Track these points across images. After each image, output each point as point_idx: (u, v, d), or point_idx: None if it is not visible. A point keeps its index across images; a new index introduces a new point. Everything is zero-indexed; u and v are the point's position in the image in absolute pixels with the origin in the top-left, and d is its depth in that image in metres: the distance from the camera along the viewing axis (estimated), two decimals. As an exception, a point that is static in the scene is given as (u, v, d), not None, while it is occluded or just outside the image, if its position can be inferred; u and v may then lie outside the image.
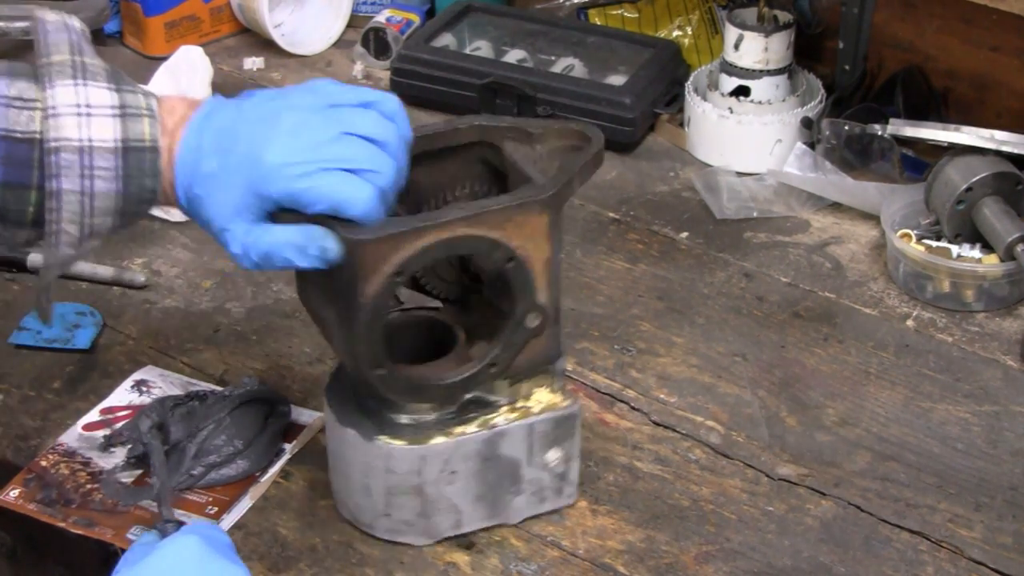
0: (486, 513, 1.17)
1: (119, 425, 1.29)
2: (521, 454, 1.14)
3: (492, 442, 1.13)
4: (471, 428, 1.13)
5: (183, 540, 0.94)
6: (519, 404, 1.14)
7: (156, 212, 1.61)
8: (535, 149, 1.09)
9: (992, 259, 1.48)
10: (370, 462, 1.12)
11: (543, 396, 1.14)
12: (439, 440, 1.11)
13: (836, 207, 1.65)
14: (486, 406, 1.14)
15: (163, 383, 1.35)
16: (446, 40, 1.88)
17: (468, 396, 1.13)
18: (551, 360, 1.13)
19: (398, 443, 1.11)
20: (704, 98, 1.74)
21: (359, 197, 1.01)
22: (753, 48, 1.69)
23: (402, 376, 1.08)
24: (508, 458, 1.14)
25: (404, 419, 1.12)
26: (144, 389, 1.34)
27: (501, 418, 1.14)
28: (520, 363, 1.11)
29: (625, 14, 1.95)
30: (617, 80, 1.79)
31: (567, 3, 1.97)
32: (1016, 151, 1.51)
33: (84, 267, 1.52)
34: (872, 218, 1.61)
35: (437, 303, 1.18)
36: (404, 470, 1.11)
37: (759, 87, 1.70)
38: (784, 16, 1.71)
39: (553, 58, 1.85)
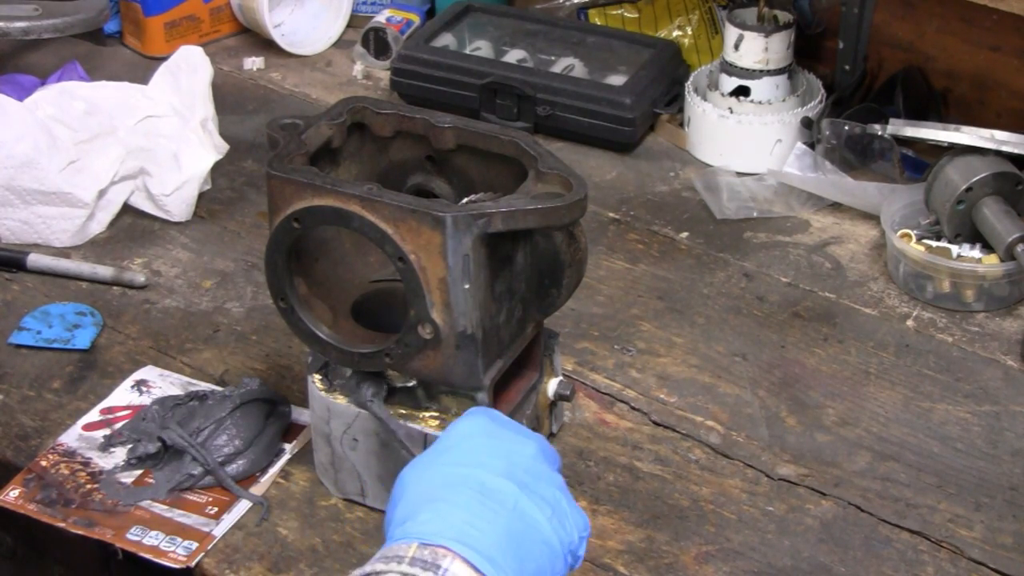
0: (388, 499, 1.19)
1: (119, 425, 1.29)
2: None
3: (389, 431, 1.16)
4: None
5: (472, 416, 1.01)
6: (440, 416, 1.16)
7: (156, 212, 1.61)
8: (535, 185, 1.11)
9: (992, 259, 1.48)
10: (308, 391, 1.22)
11: None
12: (347, 403, 1.18)
13: (836, 207, 1.65)
14: (413, 405, 1.17)
15: (163, 383, 1.35)
16: (446, 40, 1.88)
17: (396, 384, 1.17)
18: (464, 386, 1.14)
19: (319, 387, 1.19)
20: (704, 98, 1.74)
21: None
22: (753, 48, 1.69)
23: (301, 317, 1.15)
24: (404, 457, 1.16)
25: (349, 376, 1.19)
26: (144, 389, 1.34)
27: (412, 417, 1.16)
28: (418, 369, 1.13)
29: (625, 14, 1.95)
30: (617, 80, 1.79)
31: (567, 3, 1.98)
32: (1016, 151, 1.51)
33: (84, 267, 1.52)
34: (872, 218, 1.61)
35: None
36: (317, 413, 1.20)
37: (759, 87, 1.70)
38: (784, 16, 1.71)
39: (553, 58, 1.85)
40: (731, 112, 1.71)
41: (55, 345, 1.41)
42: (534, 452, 0.99)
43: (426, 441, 1.15)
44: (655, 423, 1.33)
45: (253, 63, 1.97)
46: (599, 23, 1.94)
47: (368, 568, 0.88)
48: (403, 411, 1.17)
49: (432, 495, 0.94)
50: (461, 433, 1.00)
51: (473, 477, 0.94)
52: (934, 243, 1.52)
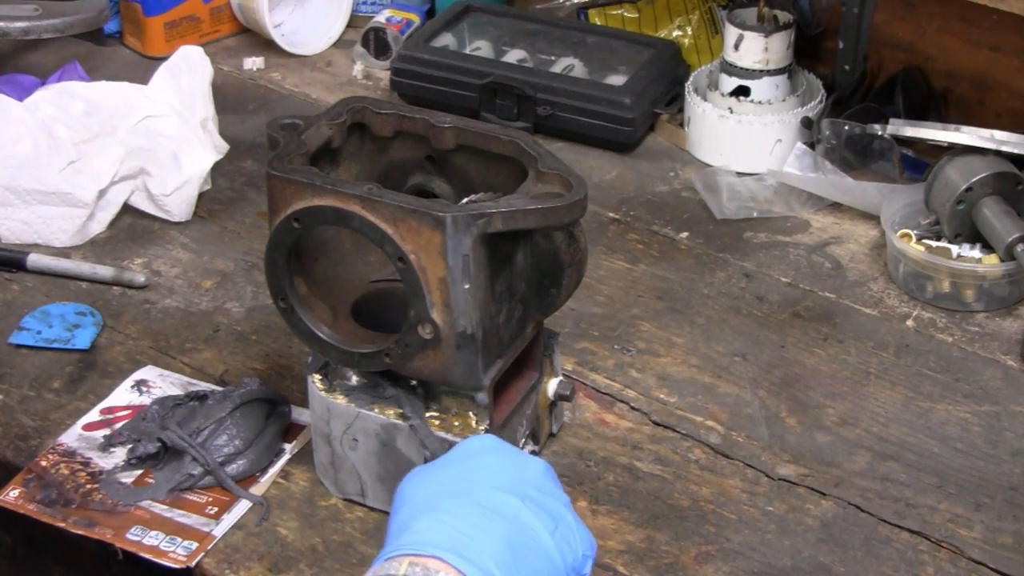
0: (388, 499, 1.19)
1: (119, 425, 1.29)
2: (417, 459, 1.17)
3: (389, 431, 1.16)
4: (379, 410, 1.17)
5: (481, 436, 1.02)
6: (440, 416, 1.16)
7: (156, 212, 1.61)
8: (535, 185, 1.11)
9: (992, 259, 1.48)
10: (308, 391, 1.21)
11: (461, 422, 1.16)
12: (347, 403, 1.17)
13: (836, 207, 1.65)
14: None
15: (163, 383, 1.35)
16: (446, 40, 1.88)
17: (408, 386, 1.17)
18: (464, 386, 1.14)
19: (319, 387, 1.19)
20: (704, 98, 1.74)
21: None
22: (753, 48, 1.69)
23: (301, 317, 1.15)
24: (405, 456, 1.17)
25: (349, 376, 1.19)
26: (144, 389, 1.34)
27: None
28: (418, 369, 1.13)
29: (625, 14, 1.95)
30: (617, 80, 1.79)
31: (567, 3, 1.98)
32: (1016, 151, 1.51)
33: (84, 267, 1.52)
34: (872, 218, 1.61)
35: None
36: (317, 413, 1.20)
37: (759, 87, 1.70)
38: (784, 16, 1.71)
39: (553, 58, 1.85)
40: (731, 112, 1.71)
41: (55, 345, 1.41)
42: (542, 469, 0.98)
43: None
44: (655, 423, 1.33)
45: (253, 63, 1.97)
46: (599, 23, 1.94)
47: None
48: (395, 406, 1.17)
49: (431, 504, 0.93)
50: (469, 449, 1.00)
51: (475, 488, 0.94)
52: (934, 243, 1.52)
